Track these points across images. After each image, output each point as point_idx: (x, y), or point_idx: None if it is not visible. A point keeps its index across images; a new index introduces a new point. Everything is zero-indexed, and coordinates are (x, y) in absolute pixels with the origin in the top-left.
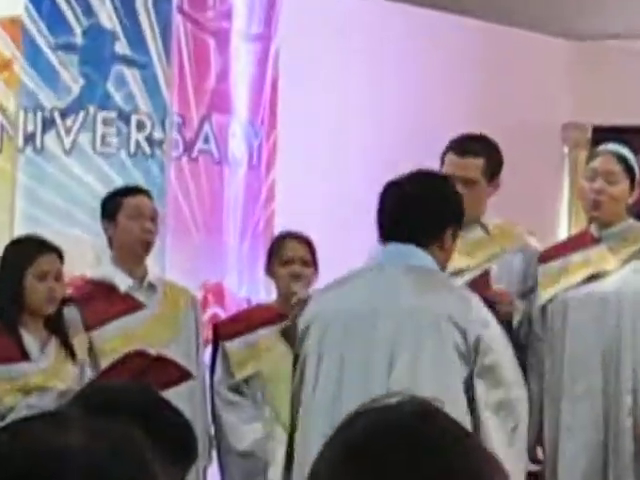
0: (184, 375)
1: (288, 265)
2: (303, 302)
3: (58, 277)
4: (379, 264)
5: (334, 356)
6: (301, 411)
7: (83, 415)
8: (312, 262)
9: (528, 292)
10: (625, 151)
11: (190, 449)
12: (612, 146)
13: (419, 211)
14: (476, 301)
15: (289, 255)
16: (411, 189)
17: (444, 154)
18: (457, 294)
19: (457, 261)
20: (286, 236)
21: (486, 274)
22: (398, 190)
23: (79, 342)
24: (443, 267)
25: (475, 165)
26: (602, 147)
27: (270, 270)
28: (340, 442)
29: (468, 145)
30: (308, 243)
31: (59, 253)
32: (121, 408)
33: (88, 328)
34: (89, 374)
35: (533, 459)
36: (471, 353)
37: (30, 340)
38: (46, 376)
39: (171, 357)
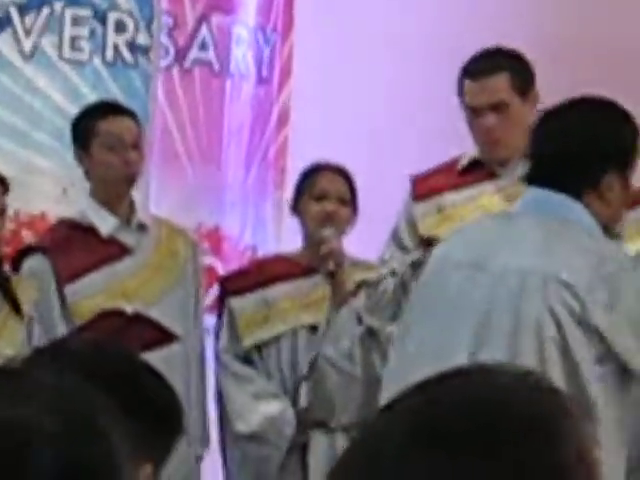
0: (167, 337)
1: (322, 201)
2: (337, 255)
3: (1, 213)
4: (511, 213)
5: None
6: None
7: (46, 383)
8: (351, 201)
9: None
10: None
11: (175, 420)
12: None
13: (565, 145)
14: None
15: (324, 189)
16: (563, 119)
17: (460, 83)
18: (595, 254)
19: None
20: (321, 168)
21: None
22: (548, 121)
23: (29, 295)
24: (606, 223)
25: (498, 83)
26: None
27: (298, 208)
28: (408, 418)
29: (483, 63)
30: (347, 178)
31: (3, 182)
32: (94, 373)
33: (62, 281)
34: (37, 334)
35: None
36: (592, 334)
37: None
38: None
39: (154, 316)
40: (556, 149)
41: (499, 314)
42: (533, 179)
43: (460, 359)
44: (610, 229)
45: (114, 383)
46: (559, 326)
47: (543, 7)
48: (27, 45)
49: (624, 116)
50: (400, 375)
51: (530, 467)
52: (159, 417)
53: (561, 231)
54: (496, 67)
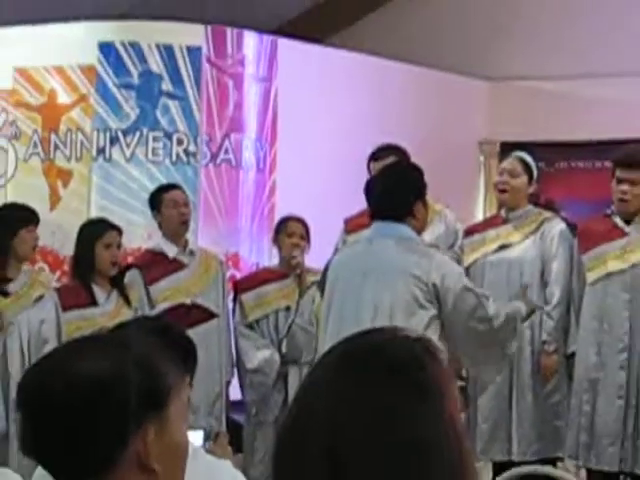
0: (211, 315)
1: (290, 237)
2: (300, 264)
3: (118, 247)
4: (370, 238)
5: (337, 305)
6: (321, 331)
7: (136, 335)
8: (306, 237)
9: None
10: (525, 155)
11: (194, 357)
12: (516, 152)
13: (391, 196)
14: (438, 258)
15: (291, 230)
16: (382, 180)
17: (368, 163)
18: (425, 257)
19: None
20: (290, 218)
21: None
22: (374, 183)
23: (134, 294)
24: (420, 231)
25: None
26: (511, 154)
27: (277, 241)
28: (339, 352)
29: (382, 152)
30: (304, 224)
31: (119, 230)
32: (160, 332)
33: (147, 284)
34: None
35: (459, 376)
36: (432, 298)
37: (100, 293)
38: (109, 316)
39: (202, 303)
40: (383, 198)
41: (381, 298)
42: (374, 216)
43: (365, 326)
44: (420, 234)
45: (169, 342)
46: (416, 300)
47: None
48: (128, 153)
49: (414, 167)
50: (333, 336)
51: (402, 381)
52: (188, 353)
53: (405, 246)
54: (390, 154)
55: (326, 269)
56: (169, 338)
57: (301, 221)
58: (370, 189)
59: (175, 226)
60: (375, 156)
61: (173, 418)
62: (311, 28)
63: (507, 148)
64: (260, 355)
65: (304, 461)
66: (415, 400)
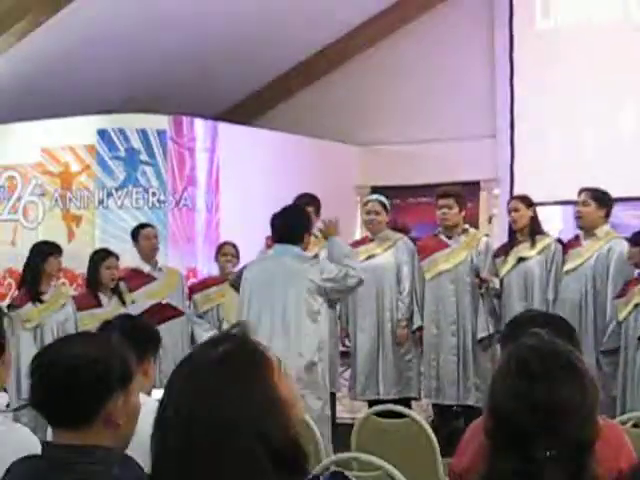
0: (179, 313)
1: (225, 256)
2: (232, 273)
3: (116, 268)
4: (274, 255)
5: (255, 299)
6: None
7: (117, 333)
8: (236, 255)
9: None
10: (382, 198)
11: (157, 341)
12: (375, 195)
13: (289, 228)
14: (322, 265)
15: (225, 251)
16: (282, 216)
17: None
18: (313, 265)
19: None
20: (225, 243)
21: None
22: (276, 219)
23: (128, 297)
24: (304, 250)
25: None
26: (370, 197)
27: (217, 259)
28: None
29: (300, 197)
30: (235, 246)
31: (117, 256)
32: (129, 330)
33: (130, 291)
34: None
35: (343, 344)
36: (321, 291)
37: (103, 298)
38: (110, 313)
39: (172, 303)
40: (283, 229)
41: (287, 294)
42: (276, 240)
43: (279, 314)
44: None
45: (139, 335)
46: (310, 293)
47: None
48: (119, 203)
49: (304, 211)
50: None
51: (238, 375)
52: (152, 340)
53: (299, 260)
54: (307, 202)
55: (240, 273)
56: (139, 332)
57: (233, 245)
58: (273, 222)
59: (148, 252)
60: (296, 198)
61: (133, 391)
62: (240, 115)
63: (375, 190)
64: (206, 335)
65: (171, 426)
66: (246, 386)
